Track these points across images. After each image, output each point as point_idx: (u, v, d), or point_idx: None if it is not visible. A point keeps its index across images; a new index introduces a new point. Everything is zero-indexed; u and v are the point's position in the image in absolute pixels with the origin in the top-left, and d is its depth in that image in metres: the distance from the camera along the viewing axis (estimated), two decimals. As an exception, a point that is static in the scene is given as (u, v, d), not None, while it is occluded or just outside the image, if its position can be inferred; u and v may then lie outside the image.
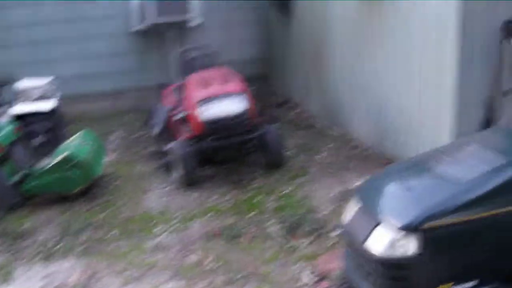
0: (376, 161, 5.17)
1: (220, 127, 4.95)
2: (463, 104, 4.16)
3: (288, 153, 5.51)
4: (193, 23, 7.79)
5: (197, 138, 5.10)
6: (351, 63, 5.69)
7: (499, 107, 4.09)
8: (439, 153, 2.85)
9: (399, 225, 2.54)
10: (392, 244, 2.52)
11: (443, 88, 4.26)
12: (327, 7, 6.13)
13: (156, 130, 5.55)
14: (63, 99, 6.45)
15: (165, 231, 4.38)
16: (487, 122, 4.03)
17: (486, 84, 4.14)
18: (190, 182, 5.00)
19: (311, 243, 4.01)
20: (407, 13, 4.59)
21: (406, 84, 4.75)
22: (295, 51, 7.33)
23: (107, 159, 5.55)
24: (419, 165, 2.79)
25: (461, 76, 4.12)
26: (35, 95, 5.94)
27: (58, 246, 4.24)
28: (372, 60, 5.26)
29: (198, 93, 5.08)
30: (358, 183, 4.77)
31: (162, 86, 6.94)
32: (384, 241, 2.56)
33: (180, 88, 5.81)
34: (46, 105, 5.86)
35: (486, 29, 4.04)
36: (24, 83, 6.01)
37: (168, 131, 5.49)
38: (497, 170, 2.44)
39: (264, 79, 8.31)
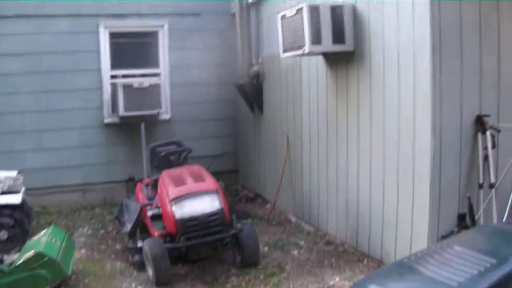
0: (351, 257, 5.20)
1: (194, 226, 4.92)
2: (439, 198, 4.28)
3: (262, 250, 5.50)
4: (163, 117, 8.05)
5: (171, 236, 5.07)
6: (323, 157, 5.88)
7: (475, 201, 4.25)
8: (425, 256, 2.91)
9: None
10: None
11: (418, 182, 4.42)
12: (298, 102, 6.43)
13: (127, 226, 5.47)
14: (30, 192, 6.36)
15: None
16: (464, 216, 4.14)
17: (462, 178, 4.32)
18: (163, 282, 4.87)
19: None
20: (382, 110, 4.86)
21: (379, 178, 4.92)
22: (265, 146, 7.53)
23: (76, 255, 5.39)
24: (407, 268, 2.83)
25: (436, 170, 4.27)
26: (1, 188, 5.83)
27: None
28: (344, 154, 5.46)
29: (172, 191, 5.08)
30: (335, 280, 4.78)
31: (133, 181, 6.96)
32: None
33: (153, 184, 5.83)
34: (13, 198, 5.74)
35: (459, 124, 4.30)
36: (-10, 176, 5.91)
37: (140, 228, 5.42)
38: (485, 272, 2.52)
39: (233, 174, 8.45)
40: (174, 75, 8.10)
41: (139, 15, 7.91)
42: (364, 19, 4.96)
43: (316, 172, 6.04)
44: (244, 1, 7.47)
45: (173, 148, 6.16)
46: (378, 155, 4.89)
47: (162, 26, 8.10)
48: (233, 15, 8.06)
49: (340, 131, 5.49)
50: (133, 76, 7.96)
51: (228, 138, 8.46)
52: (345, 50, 5.11)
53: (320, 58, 5.74)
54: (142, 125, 7.71)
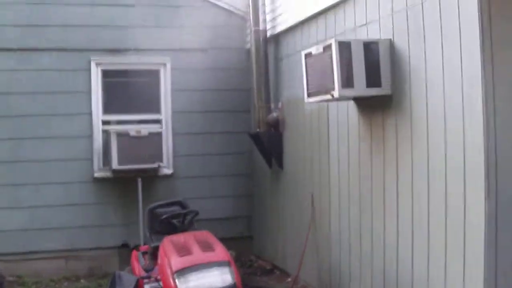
0: None
1: (202, 305, 4.89)
2: (494, 269, 4.22)
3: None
4: (164, 172, 8.14)
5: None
6: (355, 222, 5.86)
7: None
8: None
9: None
10: None
11: (470, 255, 4.38)
12: (325, 156, 6.47)
13: (120, 303, 5.47)
14: (3, 258, 6.39)
15: None
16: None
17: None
18: None
19: None
20: (426, 167, 4.88)
21: (424, 247, 4.89)
22: (285, 208, 7.54)
23: None
24: None
25: (492, 243, 4.23)
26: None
27: None
28: (381, 217, 5.44)
29: (175, 262, 5.03)
30: None
31: (127, 247, 6.97)
32: None
33: (152, 253, 5.85)
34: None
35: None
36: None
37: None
38: None
39: (247, 241, 8.43)
40: (178, 122, 8.24)
41: (138, 50, 8.12)
42: (403, 57, 5.06)
43: (347, 239, 6.02)
44: (261, 35, 7.69)
45: (176, 209, 6.21)
46: (421, 220, 4.88)
47: (164, 64, 8.30)
48: (248, 51, 8.26)
49: (375, 190, 5.50)
50: (130, 122, 8.11)
51: (241, 198, 8.49)
52: (381, 94, 5.17)
53: (352, 104, 5.82)
54: (139, 181, 7.78)
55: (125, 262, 6.52)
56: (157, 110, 8.29)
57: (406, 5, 4.97)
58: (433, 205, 4.76)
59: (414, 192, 4.96)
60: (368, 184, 5.60)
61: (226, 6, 8.45)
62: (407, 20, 4.96)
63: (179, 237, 5.48)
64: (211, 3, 8.40)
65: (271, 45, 7.78)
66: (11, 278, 7.09)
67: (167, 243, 5.36)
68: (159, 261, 5.35)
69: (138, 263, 6.04)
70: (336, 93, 5.04)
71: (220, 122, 8.37)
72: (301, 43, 6.87)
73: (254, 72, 7.69)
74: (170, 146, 8.21)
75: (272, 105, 7.70)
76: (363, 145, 5.68)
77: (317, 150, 6.65)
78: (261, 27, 7.66)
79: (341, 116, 6.08)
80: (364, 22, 5.53)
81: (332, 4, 6.09)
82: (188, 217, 6.01)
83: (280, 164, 7.57)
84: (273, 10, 7.68)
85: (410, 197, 5.02)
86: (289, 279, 7.16)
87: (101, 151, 7.96)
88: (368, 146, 5.60)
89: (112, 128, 7.90)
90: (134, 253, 6.32)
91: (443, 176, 4.64)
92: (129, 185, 7.89)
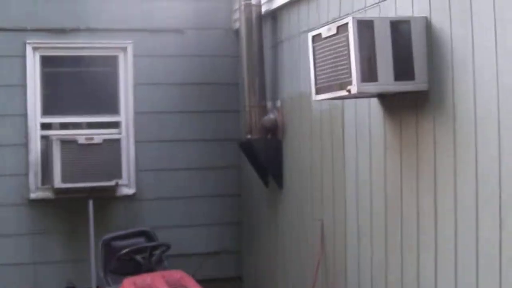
0: None
1: None
2: None
3: None
4: (124, 192, 8.13)
5: None
6: (379, 258, 5.85)
7: None
8: None
9: None
10: None
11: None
12: (339, 172, 6.47)
13: None
14: None
15: None
16: None
17: None
18: None
19: None
20: (475, 187, 4.88)
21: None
22: (285, 238, 7.51)
23: None
24: None
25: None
26: None
27: None
28: (413, 253, 5.44)
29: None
30: None
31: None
32: None
33: (108, 300, 5.84)
34: None
35: None
36: None
37: None
38: None
39: (234, 284, 8.43)
40: (142, 127, 8.27)
41: (89, 30, 8.16)
42: (443, 41, 5.06)
43: (369, 279, 6.02)
44: (254, 11, 7.69)
45: (140, 242, 6.22)
46: (467, 260, 4.88)
47: (125, 49, 8.32)
48: (236, 32, 8.27)
49: (406, 216, 5.49)
50: (78, 126, 8.13)
51: (228, 227, 8.51)
52: (415, 89, 5.16)
53: (375, 102, 5.83)
54: (91, 204, 7.77)
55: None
56: (115, 110, 8.31)
57: (448, -28, 5.00)
58: (483, 240, 4.75)
59: (458, 220, 4.95)
60: (397, 207, 5.60)
61: (207, -27, 8.53)
62: (449, -9, 4.98)
63: (144, 279, 5.49)
64: (189, -29, 8.47)
65: (267, 24, 7.80)
66: None
67: (128, 286, 5.36)
68: (117, 312, 5.34)
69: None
70: (354, 89, 5.04)
71: (199, 126, 8.40)
72: (307, 22, 6.89)
73: (245, 60, 7.70)
74: (132, 158, 8.22)
75: (269, 104, 7.71)
76: (390, 157, 5.69)
77: (329, 163, 6.65)
78: (253, 0, 7.67)
79: (361, 118, 6.09)
80: (392, -6, 5.57)
81: (349, -30, 6.12)
82: (156, 252, 6.01)
83: (279, 182, 7.57)
84: (269, -22, 7.72)
85: (452, 227, 5.01)
86: (291, 336, 7.14)
87: (39, 164, 7.97)
88: (396, 158, 5.60)
89: (54, 133, 7.90)
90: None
91: (496, 199, 4.63)
92: (77, 209, 7.88)
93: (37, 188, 7.94)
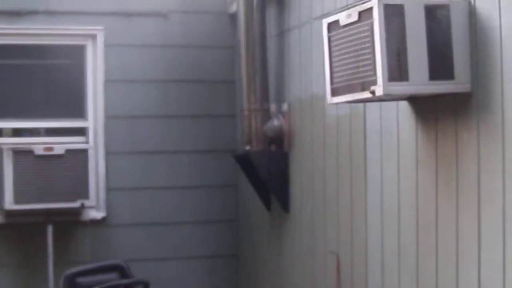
0: None
1: None
2: None
3: None
4: (92, 216, 8.16)
5: None
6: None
7: None
8: None
9: None
10: None
11: None
12: (359, 193, 6.47)
13: None
14: None
15: None
16: None
17: None
18: None
19: None
20: None
21: None
22: (292, 277, 7.52)
23: None
24: None
25: None
26: None
27: None
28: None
29: None
30: None
31: None
32: None
33: None
34: None
35: None
36: None
37: None
38: None
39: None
40: (115, 134, 8.33)
41: (50, 13, 8.22)
42: (490, 32, 5.07)
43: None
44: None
45: (111, 278, 6.22)
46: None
47: (93, 37, 8.37)
48: (233, 17, 8.29)
49: (443, 247, 5.50)
50: (34, 133, 8.14)
51: (221, 260, 8.54)
52: (455, 91, 5.17)
53: (404, 106, 5.84)
54: (50, 231, 7.81)
55: None
56: (81, 114, 8.37)
57: None
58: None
59: (507, 251, 4.98)
60: (431, 235, 5.60)
61: None
62: (498, -31, 5.00)
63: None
64: None
65: (271, 7, 7.83)
66: None
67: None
68: None
69: None
70: (379, 90, 5.05)
71: (186, 134, 8.46)
72: (321, 5, 6.89)
73: (243, 52, 7.72)
74: (101, 173, 8.27)
75: (272, 108, 7.75)
76: (423, 173, 5.69)
77: (347, 181, 6.67)
78: (254, -23, 7.72)
79: (387, 125, 6.10)
80: (427, -28, 5.58)
81: None
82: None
83: (285, 205, 7.59)
84: (275, -52, 7.74)
85: (499, 260, 5.03)
86: None
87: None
88: (431, 174, 5.61)
89: (5, 142, 7.94)
90: None
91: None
92: (33, 236, 7.93)
93: (-18, 210, 7.96)
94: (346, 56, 5.41)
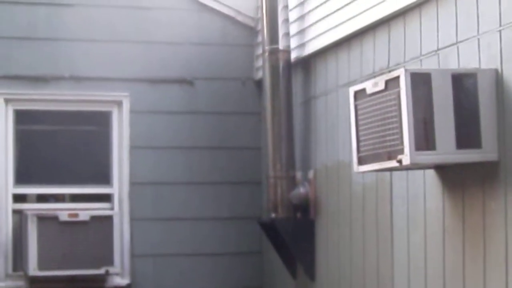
0: None
1: None
2: None
3: None
4: (116, 284, 8.17)
5: None
6: None
7: None
8: None
9: None
10: None
11: None
12: (386, 264, 6.40)
13: None
14: None
15: None
16: None
17: None
18: None
19: None
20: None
21: None
22: None
23: None
24: None
25: None
26: None
27: None
28: None
29: None
30: None
31: None
32: None
33: None
34: None
35: None
36: None
37: None
38: None
39: None
40: (140, 201, 8.37)
41: (75, 79, 8.30)
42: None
43: None
44: (282, 57, 7.76)
45: None
46: None
47: (119, 103, 8.45)
48: (259, 84, 8.35)
49: None
50: (59, 199, 8.18)
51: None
52: (481, 160, 5.13)
53: (431, 174, 5.81)
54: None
55: None
56: (106, 180, 8.42)
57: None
58: None
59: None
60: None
61: (224, 10, 8.63)
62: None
63: None
64: (199, 3, 8.56)
65: (298, 74, 7.89)
66: None
67: None
68: None
69: None
70: (406, 159, 5.05)
71: (211, 201, 8.49)
72: (347, 73, 6.93)
73: (269, 118, 7.79)
74: (126, 240, 8.29)
75: (298, 175, 7.77)
76: (450, 241, 5.63)
77: (373, 249, 6.63)
78: (281, 45, 7.74)
79: (414, 193, 6.07)
80: (454, 41, 5.61)
81: (401, 9, 6.18)
82: None
83: (311, 273, 7.55)
84: (301, 18, 7.79)
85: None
86: None
87: (10, 246, 8.01)
88: (458, 244, 5.55)
89: (29, 208, 7.99)
90: None
91: None
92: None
93: (6, 276, 7.96)
94: (373, 124, 5.42)
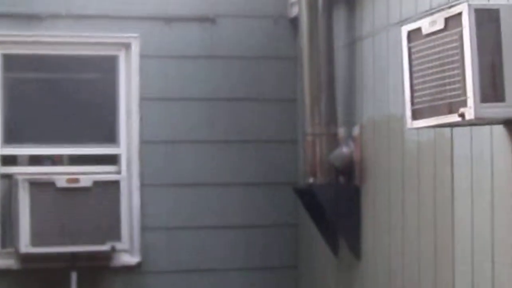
0: None
1: None
2: None
3: None
4: (124, 261, 8.26)
5: None
6: None
7: None
8: None
9: None
10: None
11: None
12: (445, 237, 6.44)
13: None
14: None
15: None
16: None
17: None
18: None
19: None
20: None
21: None
22: None
23: None
24: None
25: None
26: None
27: None
28: None
29: None
30: None
31: None
32: None
33: None
34: None
35: None
36: None
37: None
38: None
39: None
40: (152, 163, 8.42)
41: (74, 17, 8.33)
42: None
43: None
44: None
45: None
46: None
47: (127, 46, 8.49)
48: (293, 23, 8.36)
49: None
50: (56, 161, 8.24)
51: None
52: None
53: (500, 131, 5.81)
54: (73, 278, 7.89)
55: None
56: (112, 138, 8.49)
57: None
58: None
59: None
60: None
61: None
62: None
63: None
64: None
65: (340, 11, 7.87)
66: None
67: None
68: None
69: None
70: (470, 112, 5.05)
71: (237, 163, 8.54)
72: (399, 10, 6.89)
73: (306, 65, 7.76)
74: (136, 210, 8.36)
75: (341, 132, 7.78)
76: None
77: (431, 218, 6.65)
78: (320, -25, 7.76)
79: (479, 153, 6.08)
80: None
81: None
82: None
83: (356, 249, 7.59)
84: None
85: None
86: None
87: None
88: None
89: (20, 172, 8.06)
90: None
91: None
92: (54, 285, 8.02)
93: (-6, 253, 8.06)
94: (430, 71, 5.42)
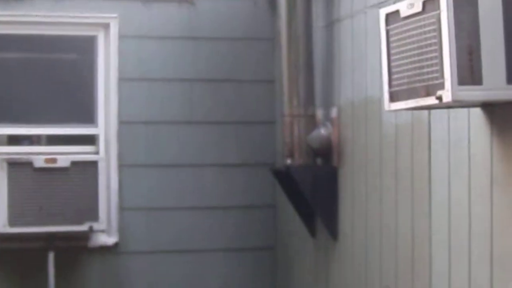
0: None
1: None
2: None
3: None
4: (101, 242, 8.26)
5: None
6: None
7: None
8: None
9: None
10: None
11: None
12: (422, 219, 6.48)
13: None
14: None
15: None
16: None
17: None
18: None
19: None
20: None
21: None
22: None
23: None
24: None
25: None
26: None
27: None
28: None
29: None
30: None
31: None
32: None
33: None
34: None
35: None
36: None
37: None
38: None
39: None
40: (130, 143, 8.43)
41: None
42: None
43: None
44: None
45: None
46: None
47: (106, 26, 8.48)
48: (273, 3, 8.32)
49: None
50: (34, 141, 8.23)
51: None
52: None
53: (477, 114, 5.82)
54: (51, 258, 7.91)
55: None
56: (90, 118, 8.48)
57: None
58: None
59: None
60: (508, 271, 5.58)
61: None
62: None
63: None
64: None
65: (319, -8, 7.88)
66: None
67: None
68: None
69: None
70: (447, 95, 5.04)
71: (215, 144, 8.54)
72: (377, -8, 6.95)
73: (284, 46, 7.76)
74: (113, 190, 8.39)
75: (319, 113, 7.79)
76: (499, 193, 5.65)
77: (408, 202, 6.67)
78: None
79: (456, 136, 6.09)
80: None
81: None
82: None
83: (333, 230, 7.61)
84: None
85: None
86: None
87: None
88: (509, 195, 5.55)
89: (-2, 152, 8.02)
90: None
91: None
92: (32, 265, 8.05)
93: (-30, 233, 8.04)
94: (408, 54, 5.41)
